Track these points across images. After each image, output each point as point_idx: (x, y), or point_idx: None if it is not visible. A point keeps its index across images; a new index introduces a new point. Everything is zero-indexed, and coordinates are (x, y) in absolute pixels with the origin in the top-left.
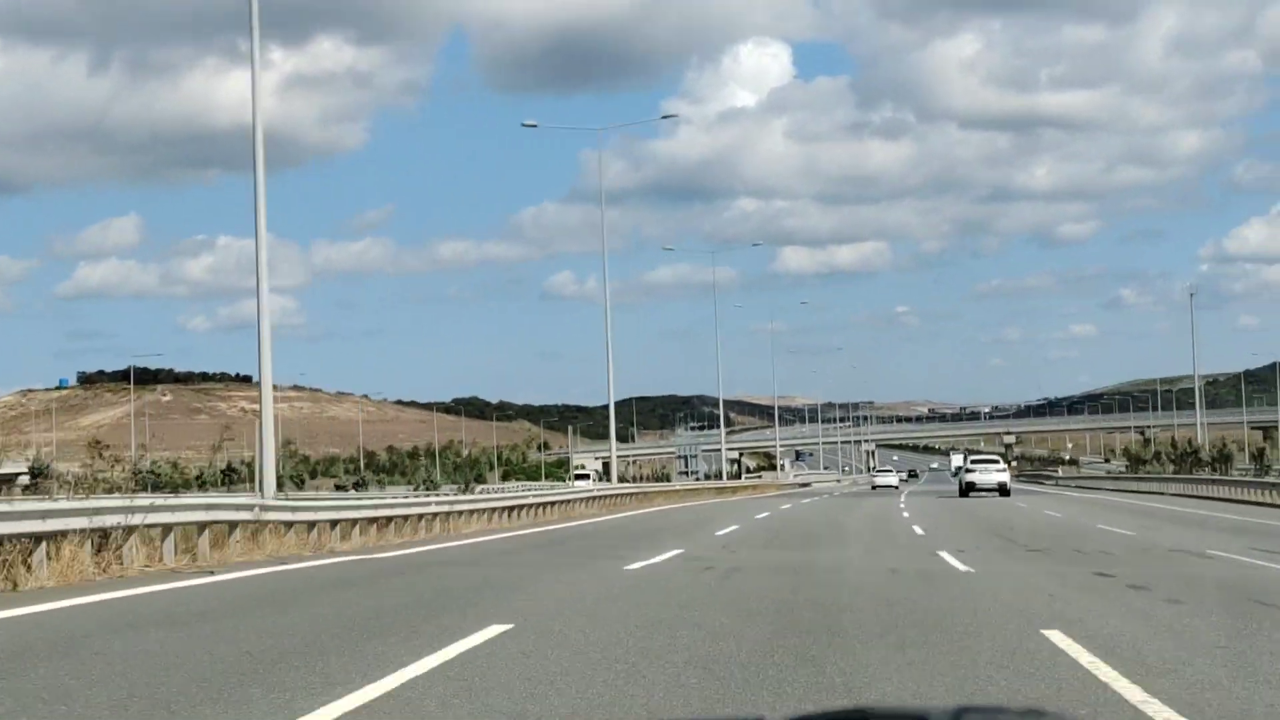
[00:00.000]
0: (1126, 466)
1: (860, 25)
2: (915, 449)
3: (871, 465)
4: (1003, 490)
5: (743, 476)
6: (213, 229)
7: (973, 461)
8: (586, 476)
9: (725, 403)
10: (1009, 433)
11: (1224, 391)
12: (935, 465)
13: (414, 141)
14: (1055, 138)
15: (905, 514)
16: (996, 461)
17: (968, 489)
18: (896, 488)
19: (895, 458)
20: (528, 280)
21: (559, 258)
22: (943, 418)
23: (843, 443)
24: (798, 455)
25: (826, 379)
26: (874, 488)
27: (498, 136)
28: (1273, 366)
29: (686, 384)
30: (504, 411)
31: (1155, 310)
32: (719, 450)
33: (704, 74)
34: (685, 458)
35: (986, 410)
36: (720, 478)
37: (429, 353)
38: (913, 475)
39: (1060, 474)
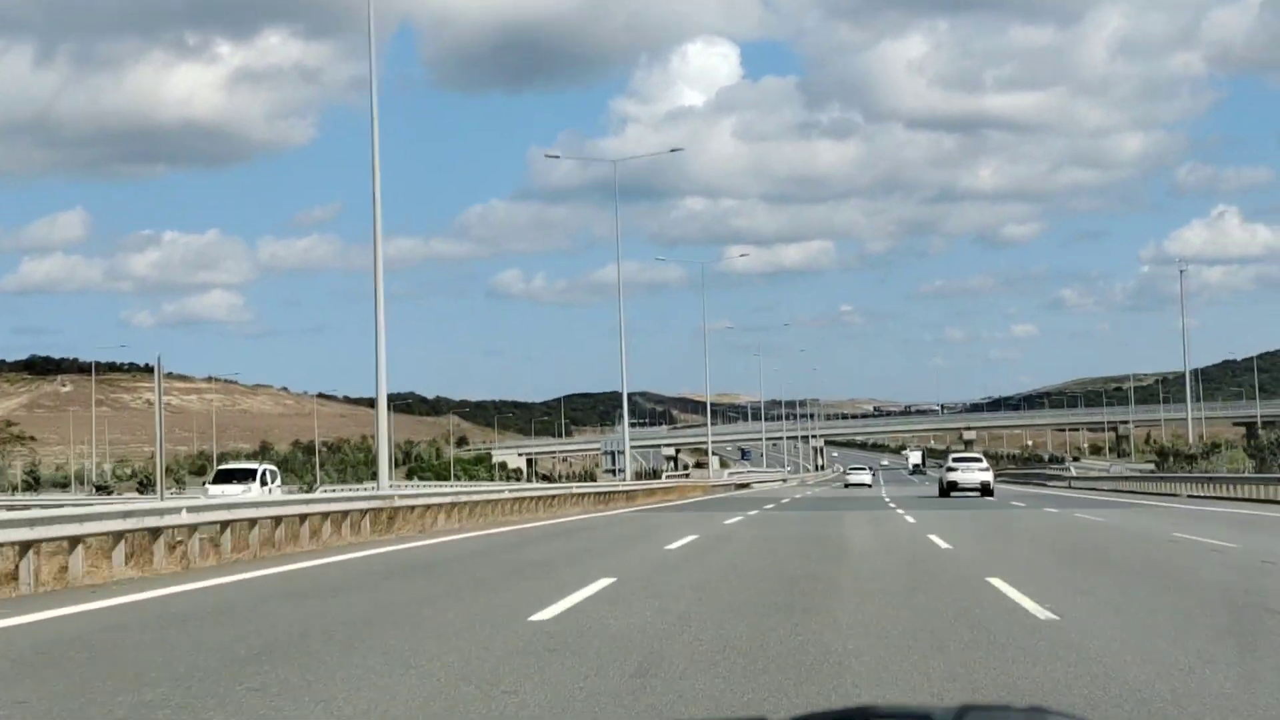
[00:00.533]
0: (1156, 464)
1: (809, 25)
2: (864, 446)
3: (820, 463)
4: (986, 490)
5: (663, 475)
6: (159, 225)
7: (954, 460)
8: (248, 476)
9: (669, 400)
10: (969, 428)
11: (1174, 390)
12: (886, 463)
13: (362, 138)
14: (1001, 139)
15: (1011, 592)
16: (980, 460)
17: (949, 489)
18: (870, 485)
19: (835, 454)
20: (474, 278)
21: (505, 256)
22: (889, 415)
23: (788, 438)
24: (743, 454)
25: (772, 376)
26: (847, 486)
27: (446, 134)
28: (1223, 364)
29: (631, 381)
30: (437, 407)
31: (1095, 311)
32: (656, 446)
33: (653, 73)
34: (612, 454)
35: (935, 408)
36: (655, 476)
37: (373, 350)
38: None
39: (1073, 473)
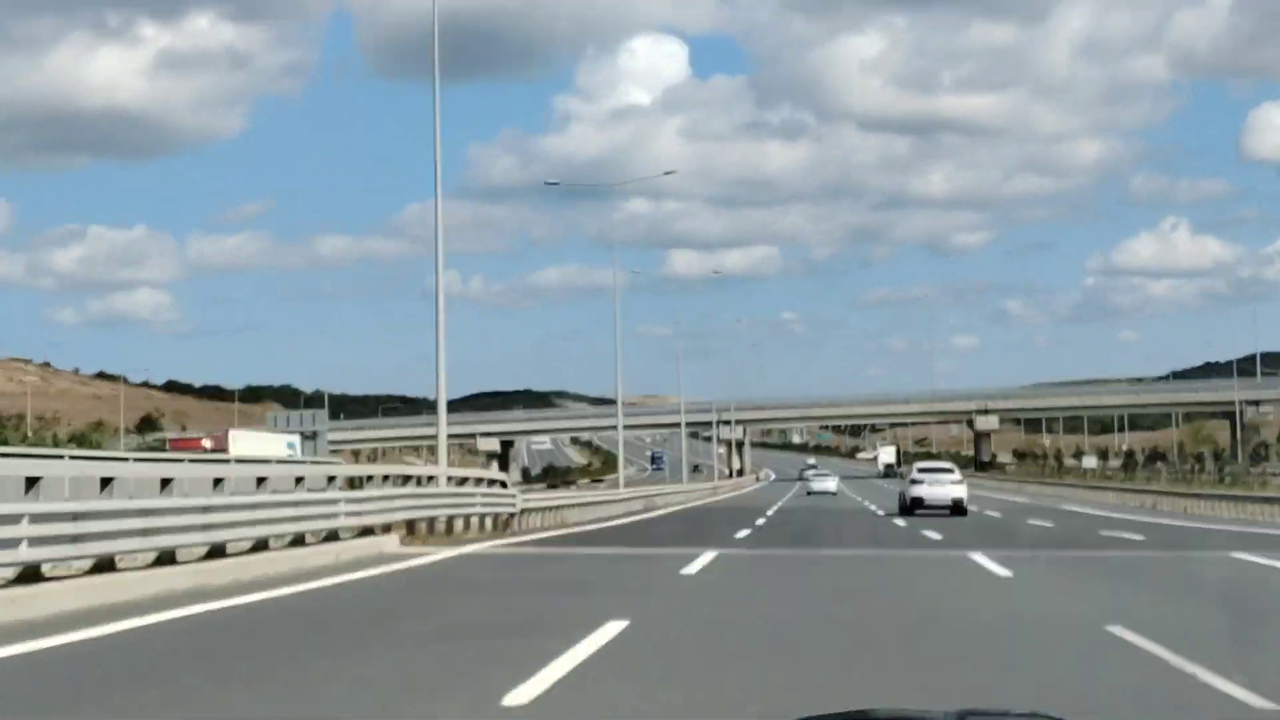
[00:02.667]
0: None
1: (763, 18)
2: (804, 448)
3: (739, 466)
4: (958, 509)
5: None
6: (84, 218)
7: (920, 470)
8: None
9: (588, 399)
10: (985, 411)
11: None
12: (811, 462)
13: (295, 130)
14: (955, 143)
15: None
16: (951, 471)
17: (912, 506)
18: (835, 493)
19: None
20: (409, 279)
21: (443, 255)
22: (838, 428)
23: (686, 427)
24: (654, 459)
25: (706, 380)
26: (809, 493)
27: (382, 127)
28: (1204, 365)
29: (555, 381)
30: (309, 401)
31: (1038, 323)
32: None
33: (599, 68)
34: (300, 437)
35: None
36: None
37: (301, 351)
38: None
39: None
